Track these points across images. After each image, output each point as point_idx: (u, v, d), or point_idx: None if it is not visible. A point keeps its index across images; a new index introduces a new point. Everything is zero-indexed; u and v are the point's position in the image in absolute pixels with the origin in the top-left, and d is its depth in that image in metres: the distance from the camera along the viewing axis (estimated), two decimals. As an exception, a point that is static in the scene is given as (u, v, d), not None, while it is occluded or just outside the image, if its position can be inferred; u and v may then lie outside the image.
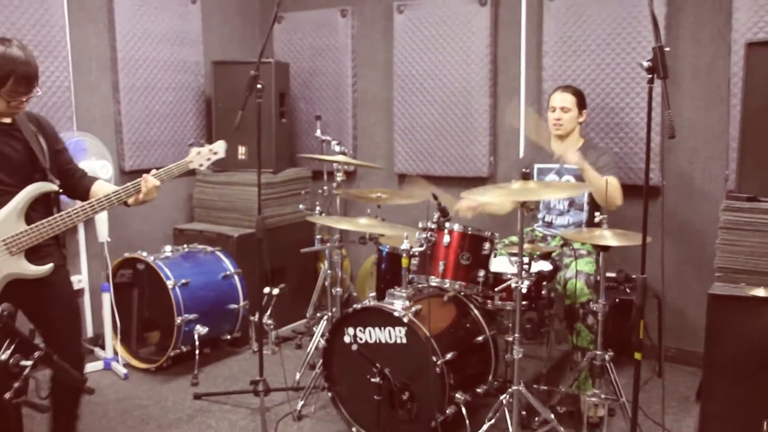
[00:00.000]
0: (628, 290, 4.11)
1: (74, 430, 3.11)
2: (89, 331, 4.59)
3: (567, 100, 3.95)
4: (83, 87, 4.55)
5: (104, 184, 3.07)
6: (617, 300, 4.09)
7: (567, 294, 3.70)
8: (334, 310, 4.19)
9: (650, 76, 2.65)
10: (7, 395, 1.35)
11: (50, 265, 2.81)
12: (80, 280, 4.46)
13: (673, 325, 4.33)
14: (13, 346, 1.36)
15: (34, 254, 2.80)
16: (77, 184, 3.03)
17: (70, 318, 2.96)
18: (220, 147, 3.40)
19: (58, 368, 1.48)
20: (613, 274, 4.21)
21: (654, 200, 4.29)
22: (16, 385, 1.35)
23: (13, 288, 2.75)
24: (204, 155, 3.34)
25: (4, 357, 1.35)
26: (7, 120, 2.81)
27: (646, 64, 2.66)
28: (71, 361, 2.75)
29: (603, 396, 3.43)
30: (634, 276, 4.21)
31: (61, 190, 2.91)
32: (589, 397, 3.44)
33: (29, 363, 1.36)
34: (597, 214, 3.40)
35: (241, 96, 3.63)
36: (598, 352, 3.45)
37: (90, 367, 4.26)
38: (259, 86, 3.63)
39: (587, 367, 3.56)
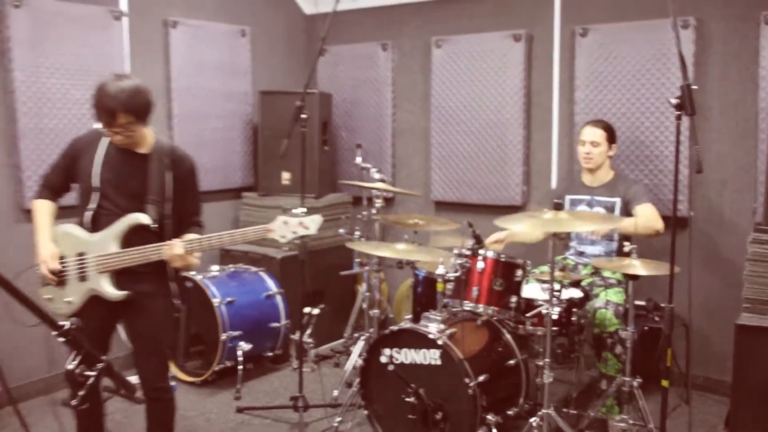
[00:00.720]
0: (656, 318, 4.10)
1: None
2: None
3: (597, 134, 3.98)
4: (140, 114, 4.70)
5: (174, 241, 2.93)
6: (646, 328, 4.09)
7: (596, 323, 3.72)
8: (371, 330, 4.25)
9: (678, 113, 2.70)
10: (74, 402, 1.45)
11: (124, 293, 2.90)
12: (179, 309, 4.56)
13: (702, 354, 4.30)
14: (79, 358, 1.46)
15: (127, 277, 2.91)
16: (179, 230, 3.01)
17: (147, 341, 3.03)
18: (313, 223, 2.96)
19: (117, 379, 1.57)
20: (642, 303, 4.21)
21: (683, 231, 4.30)
22: (81, 393, 1.44)
23: (110, 303, 2.91)
24: (291, 226, 2.96)
25: (71, 367, 1.44)
26: (142, 150, 2.93)
27: (674, 101, 2.71)
28: (146, 369, 2.99)
29: (630, 422, 3.44)
30: (663, 305, 4.18)
31: (153, 225, 2.91)
32: (616, 422, 3.46)
33: (93, 373, 1.46)
34: (626, 243, 3.43)
35: (286, 124, 3.69)
36: (627, 379, 3.46)
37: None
38: (303, 116, 3.69)
39: (615, 393, 3.57)
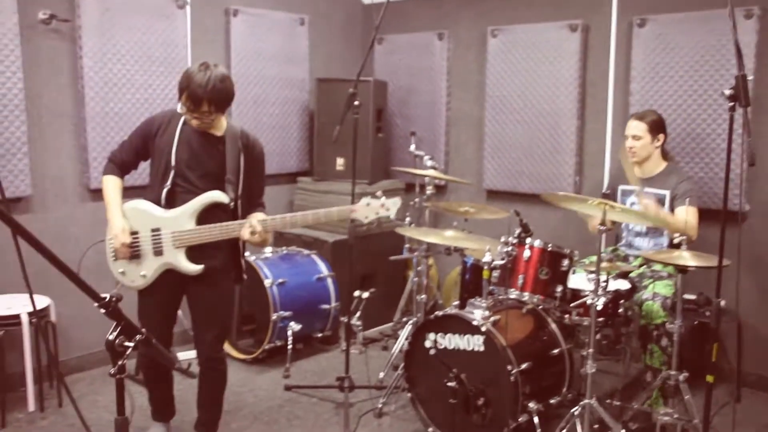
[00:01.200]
0: (707, 313, 3.98)
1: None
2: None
3: (639, 128, 3.86)
4: (200, 100, 4.79)
5: (256, 216, 3.07)
6: (695, 322, 3.97)
7: (642, 315, 3.63)
8: (418, 315, 4.24)
9: (732, 104, 2.60)
10: (112, 371, 1.50)
11: (200, 267, 3.01)
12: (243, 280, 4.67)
13: (755, 351, 4.15)
14: (119, 329, 1.50)
15: (199, 252, 3.01)
16: (246, 210, 3.13)
17: (211, 312, 3.14)
18: (394, 205, 3.10)
19: (156, 351, 1.61)
20: (692, 297, 4.09)
21: (736, 226, 4.16)
22: (120, 362, 1.49)
23: (179, 274, 3.02)
24: (373, 208, 3.07)
25: (111, 337, 1.49)
26: (218, 133, 3.03)
27: (728, 92, 2.61)
28: (206, 340, 3.12)
29: (675, 416, 3.35)
30: (713, 299, 4.07)
31: (231, 203, 3.02)
32: (661, 415, 3.37)
33: (131, 344, 1.50)
34: (676, 235, 3.33)
35: (341, 111, 3.72)
36: (672, 372, 3.38)
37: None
38: (356, 103, 3.69)
39: (660, 386, 3.48)
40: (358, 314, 4.71)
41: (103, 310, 1.47)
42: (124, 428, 1.55)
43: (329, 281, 4.68)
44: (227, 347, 4.61)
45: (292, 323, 4.40)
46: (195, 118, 2.91)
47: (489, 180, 5.17)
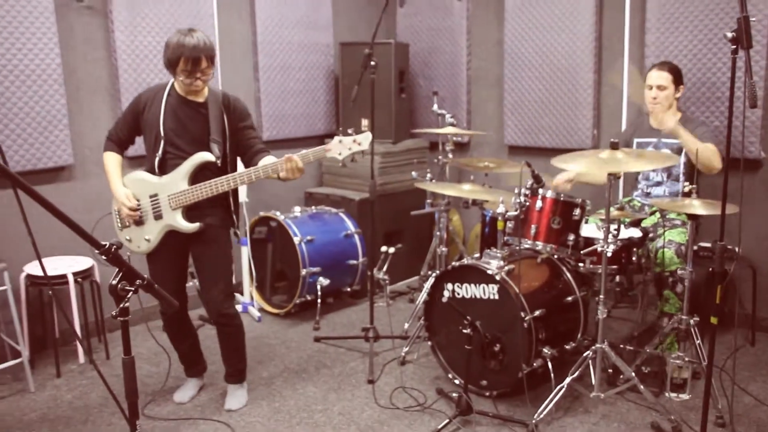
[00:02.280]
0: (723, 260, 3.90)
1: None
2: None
3: (663, 78, 3.77)
4: (229, 67, 4.84)
5: (268, 159, 3.16)
6: (711, 269, 3.90)
7: (657, 262, 3.59)
8: (441, 268, 4.27)
9: (734, 46, 2.52)
10: (114, 313, 1.57)
11: (197, 225, 3.12)
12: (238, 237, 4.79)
13: (770, 297, 4.09)
14: (120, 274, 1.58)
15: (195, 211, 3.12)
16: (252, 157, 3.23)
17: (213, 267, 3.24)
18: (365, 139, 3.08)
19: (157, 295, 1.68)
20: (707, 245, 4.02)
21: (754, 173, 4.06)
22: (121, 305, 1.56)
23: (181, 235, 3.13)
24: (346, 144, 3.07)
25: (114, 282, 1.56)
26: (200, 99, 3.13)
27: (730, 34, 2.52)
28: (213, 296, 3.19)
29: (687, 359, 3.34)
30: (729, 246, 3.99)
31: (218, 161, 3.11)
32: (673, 359, 3.36)
33: (132, 288, 1.57)
34: (686, 183, 3.27)
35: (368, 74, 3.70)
36: (684, 317, 3.35)
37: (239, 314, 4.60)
38: (372, 63, 3.68)
39: (673, 331, 3.46)
40: (384, 268, 4.76)
41: (104, 257, 1.54)
42: (131, 367, 1.63)
43: (356, 238, 4.73)
44: (261, 302, 4.73)
45: (320, 278, 4.47)
46: (197, 78, 2.99)
47: (510, 136, 5.12)
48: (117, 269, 1.57)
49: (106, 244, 1.53)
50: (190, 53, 2.92)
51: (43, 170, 4.00)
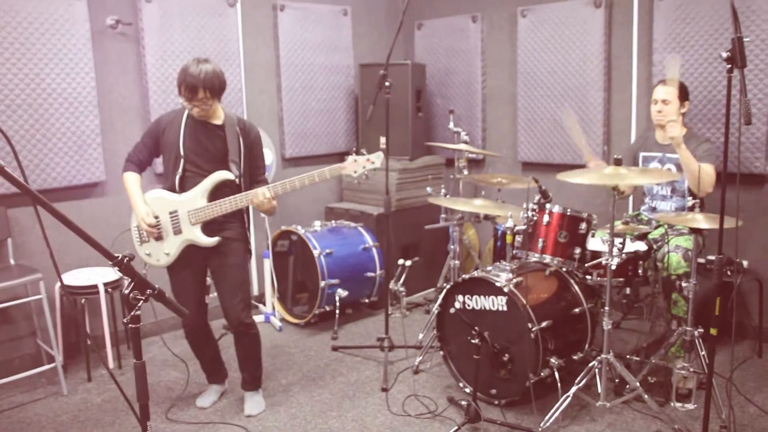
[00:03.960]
0: (729, 273, 3.88)
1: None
2: (254, 290, 5.00)
3: (668, 92, 3.76)
4: (253, 88, 4.94)
5: (260, 188, 3.19)
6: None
7: (665, 266, 3.57)
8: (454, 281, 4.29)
9: (729, 65, 2.53)
10: (125, 320, 1.64)
11: (216, 239, 3.21)
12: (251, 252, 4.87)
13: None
14: (132, 284, 1.64)
15: (214, 226, 3.21)
16: (250, 185, 3.29)
17: (232, 279, 3.30)
18: (378, 158, 3.27)
19: (168, 304, 1.75)
20: (714, 258, 3.97)
21: (760, 188, 4.03)
22: (132, 313, 1.63)
23: (200, 249, 3.21)
24: (360, 162, 3.25)
25: (126, 291, 1.63)
26: (218, 122, 3.22)
27: (725, 54, 2.54)
28: (234, 306, 3.26)
29: (691, 369, 3.32)
30: (736, 260, 3.96)
31: (237, 179, 3.20)
32: (678, 369, 3.34)
33: (142, 297, 1.64)
34: (689, 198, 3.27)
35: (383, 94, 3.77)
36: (688, 328, 3.33)
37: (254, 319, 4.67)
38: (387, 84, 3.73)
39: (679, 341, 3.44)
40: (401, 280, 4.79)
41: (116, 268, 1.61)
42: (141, 371, 1.70)
43: (374, 251, 4.77)
44: (282, 312, 4.80)
45: (339, 290, 4.52)
46: (195, 105, 3.07)
47: (523, 152, 5.14)
48: (129, 280, 1.64)
49: (118, 256, 1.60)
50: (189, 82, 3.00)
51: (78, 186, 4.13)
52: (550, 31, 4.81)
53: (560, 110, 4.83)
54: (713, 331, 2.70)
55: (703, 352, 3.31)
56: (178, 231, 3.21)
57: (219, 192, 3.18)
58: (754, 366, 3.81)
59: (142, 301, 1.63)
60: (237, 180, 3.20)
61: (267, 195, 3.13)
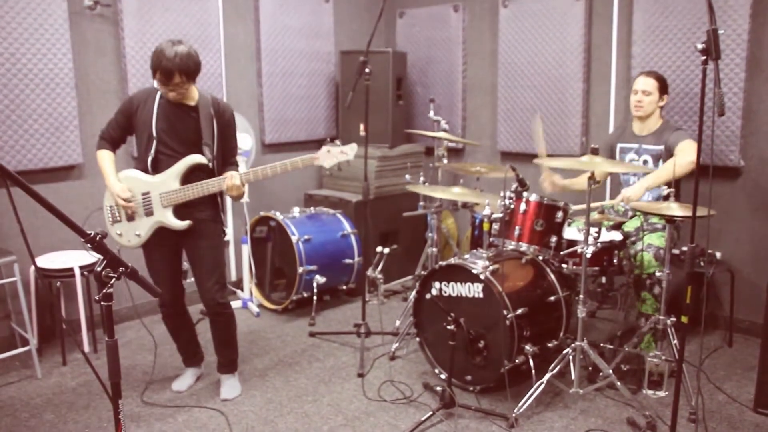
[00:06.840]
0: (702, 263, 3.93)
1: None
2: (232, 276, 4.97)
3: (649, 84, 3.80)
4: (233, 73, 4.89)
5: (232, 173, 3.18)
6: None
7: (636, 265, 3.62)
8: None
9: (704, 57, 2.55)
10: (97, 297, 1.62)
11: (187, 222, 3.18)
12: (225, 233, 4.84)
13: (749, 299, 4.08)
14: (105, 262, 1.63)
15: (184, 209, 3.18)
16: (222, 168, 3.25)
17: (207, 260, 3.28)
18: (351, 150, 3.27)
19: (141, 282, 1.73)
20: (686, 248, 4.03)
21: (734, 181, 4.08)
22: (105, 291, 1.61)
23: (173, 231, 3.18)
24: (333, 155, 3.24)
25: (99, 269, 1.62)
26: (191, 103, 3.16)
27: (700, 46, 2.56)
28: (209, 287, 3.24)
29: (663, 357, 3.36)
30: (709, 251, 4.02)
31: (210, 163, 3.16)
32: (650, 357, 3.38)
33: (115, 275, 1.62)
34: (664, 188, 3.29)
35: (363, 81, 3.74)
36: (661, 317, 3.38)
37: (231, 305, 4.64)
38: (367, 71, 3.71)
39: (650, 330, 3.49)
40: (379, 267, 4.79)
41: (89, 245, 1.59)
42: (114, 350, 1.68)
43: (352, 238, 4.77)
44: (260, 299, 4.78)
45: (317, 276, 4.51)
46: (170, 90, 3.02)
47: (502, 142, 5.16)
48: (101, 257, 1.62)
49: (91, 233, 1.58)
50: (165, 66, 2.93)
51: (55, 168, 4.07)
52: (531, 22, 4.82)
53: (539, 101, 4.85)
54: (684, 319, 2.73)
55: (675, 341, 3.36)
56: (149, 212, 3.19)
57: (192, 175, 3.15)
58: (725, 355, 3.87)
59: (114, 279, 1.61)
60: (210, 164, 3.17)
61: (238, 182, 3.12)
